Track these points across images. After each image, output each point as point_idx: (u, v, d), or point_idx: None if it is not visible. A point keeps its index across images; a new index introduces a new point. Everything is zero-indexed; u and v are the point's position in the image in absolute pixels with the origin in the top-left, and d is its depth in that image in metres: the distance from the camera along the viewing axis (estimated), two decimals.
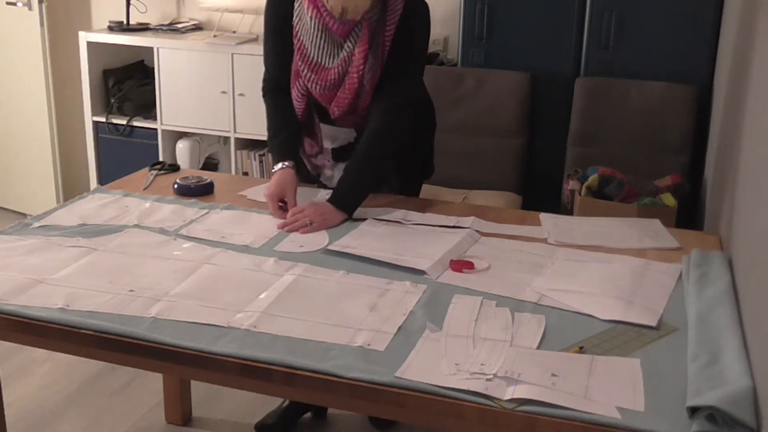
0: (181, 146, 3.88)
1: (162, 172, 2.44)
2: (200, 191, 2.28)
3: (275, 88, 2.28)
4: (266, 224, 2.07)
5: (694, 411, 1.27)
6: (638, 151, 3.23)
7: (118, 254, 1.87)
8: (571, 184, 3.05)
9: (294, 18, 2.16)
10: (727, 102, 2.58)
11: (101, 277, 1.74)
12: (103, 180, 3.99)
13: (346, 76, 2.13)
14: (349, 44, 2.10)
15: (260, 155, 3.81)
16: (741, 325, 1.53)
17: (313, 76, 2.16)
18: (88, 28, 4.23)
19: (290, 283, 1.73)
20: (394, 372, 1.40)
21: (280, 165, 2.18)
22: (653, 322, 1.59)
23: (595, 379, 1.38)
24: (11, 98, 4.26)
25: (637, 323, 1.59)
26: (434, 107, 2.44)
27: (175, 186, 2.29)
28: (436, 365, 1.42)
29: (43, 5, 4.01)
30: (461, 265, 1.83)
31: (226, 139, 3.87)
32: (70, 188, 4.30)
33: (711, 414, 1.24)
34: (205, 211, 2.15)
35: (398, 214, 2.14)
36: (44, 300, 1.63)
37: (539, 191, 3.41)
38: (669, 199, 2.85)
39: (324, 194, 2.22)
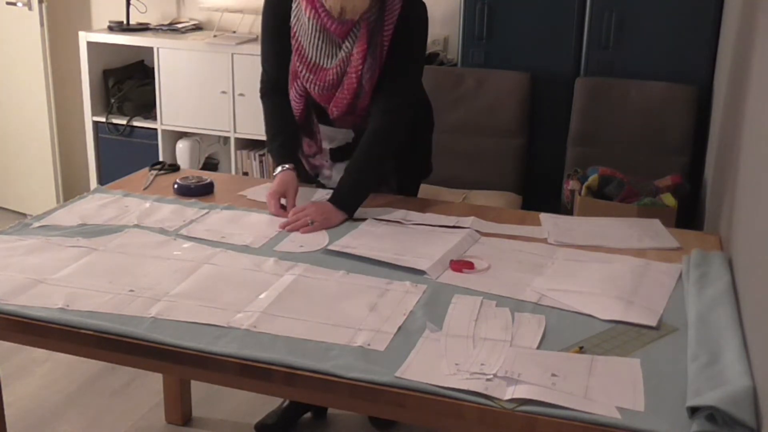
0: (181, 146, 3.88)
1: (162, 172, 2.44)
2: (200, 191, 2.28)
3: (273, 88, 2.28)
4: (266, 224, 2.07)
5: (694, 411, 1.27)
6: (638, 151, 3.23)
7: (118, 254, 1.87)
8: (571, 184, 3.05)
9: (292, 19, 2.17)
10: (727, 102, 2.58)
11: (101, 277, 1.74)
12: (103, 180, 3.99)
13: (345, 77, 2.13)
14: (348, 44, 2.11)
15: (260, 155, 3.81)
16: (741, 325, 1.53)
17: (311, 77, 2.16)
18: (88, 28, 4.23)
19: (290, 283, 1.73)
20: (394, 372, 1.40)
21: (280, 168, 2.18)
22: (653, 322, 1.59)
23: (595, 379, 1.38)
24: (11, 98, 4.26)
25: (637, 323, 1.59)
26: (432, 107, 2.44)
27: (175, 186, 2.29)
28: (436, 365, 1.42)
29: (43, 5, 4.01)
30: (461, 265, 1.83)
31: (226, 139, 3.87)
32: (70, 188, 4.30)
33: (711, 414, 1.24)
34: (205, 211, 2.15)
35: (398, 214, 2.14)
36: (44, 300, 1.63)
37: (539, 191, 3.41)
38: (669, 199, 2.85)
39: (324, 194, 2.22)
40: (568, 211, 3.02)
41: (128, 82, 4.05)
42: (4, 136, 4.35)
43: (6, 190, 4.45)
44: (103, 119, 4.01)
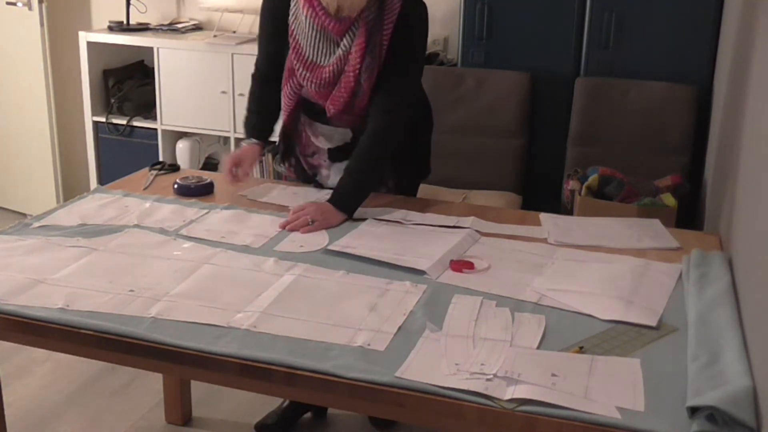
0: (181, 146, 3.88)
1: (162, 172, 2.44)
2: (200, 191, 2.28)
3: (264, 78, 2.34)
4: (266, 224, 2.07)
5: (694, 411, 1.27)
6: (638, 151, 3.23)
7: (118, 254, 1.87)
8: (571, 184, 3.05)
9: (290, 17, 2.17)
10: (727, 102, 2.58)
11: (101, 277, 1.74)
12: (103, 180, 3.99)
13: (342, 75, 2.13)
14: (346, 43, 2.11)
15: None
16: (741, 325, 1.53)
17: (308, 74, 2.17)
18: (88, 28, 4.23)
19: (290, 283, 1.73)
20: (394, 372, 1.40)
21: (248, 141, 2.31)
22: (653, 322, 1.59)
23: (595, 379, 1.38)
24: (11, 98, 4.26)
25: (637, 323, 1.59)
26: (431, 108, 2.44)
27: (175, 186, 2.29)
28: (436, 365, 1.42)
29: (43, 5, 4.01)
30: (461, 265, 1.83)
31: (226, 139, 3.87)
32: (70, 188, 4.30)
33: (711, 414, 1.24)
34: (205, 211, 2.15)
35: (398, 214, 2.14)
36: (44, 300, 1.63)
37: (539, 191, 3.41)
38: (669, 199, 2.85)
39: (324, 194, 2.22)
40: (568, 211, 3.02)
41: (128, 82, 4.05)
42: (4, 136, 4.35)
43: (6, 190, 4.45)
44: (103, 119, 4.01)
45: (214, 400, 2.75)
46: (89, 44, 3.93)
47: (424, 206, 2.23)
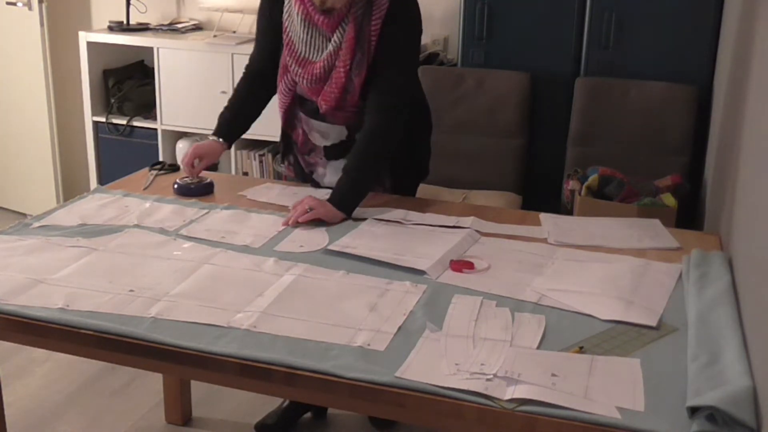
0: (181, 146, 3.88)
1: (162, 172, 2.44)
2: (200, 191, 2.28)
3: (255, 75, 2.37)
4: (266, 224, 2.07)
5: (694, 411, 1.27)
6: (638, 151, 3.23)
7: (118, 254, 1.87)
8: (571, 184, 3.05)
9: (284, 14, 2.20)
10: (727, 102, 2.57)
11: (101, 277, 1.74)
12: (103, 180, 3.99)
13: (333, 71, 2.14)
14: (336, 38, 2.12)
15: (260, 155, 3.81)
16: (741, 325, 1.53)
17: (300, 70, 2.19)
18: (88, 28, 4.23)
19: (290, 283, 1.73)
20: (394, 372, 1.40)
21: (213, 138, 2.33)
22: (653, 322, 1.59)
23: (595, 379, 1.38)
24: (11, 98, 4.26)
25: (637, 323, 1.59)
26: (430, 109, 2.44)
27: (175, 186, 2.29)
28: (436, 365, 1.42)
29: (43, 5, 4.01)
30: (461, 265, 1.83)
31: None
32: (70, 188, 4.30)
33: (711, 414, 1.24)
34: (205, 211, 2.15)
35: (398, 214, 2.14)
36: (44, 300, 1.63)
37: (539, 191, 3.41)
38: (669, 199, 2.85)
39: (322, 193, 2.22)
40: (568, 211, 3.02)
41: (128, 82, 4.05)
42: (4, 136, 4.35)
43: (6, 190, 4.45)
44: (103, 119, 4.01)
45: (214, 400, 2.75)
46: (89, 44, 3.93)
47: (424, 206, 2.23)
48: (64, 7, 4.28)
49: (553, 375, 1.38)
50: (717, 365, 1.39)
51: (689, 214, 3.07)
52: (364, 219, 2.10)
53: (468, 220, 2.10)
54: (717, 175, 2.60)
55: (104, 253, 1.87)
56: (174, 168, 2.48)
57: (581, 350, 1.48)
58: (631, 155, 3.22)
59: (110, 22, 4.03)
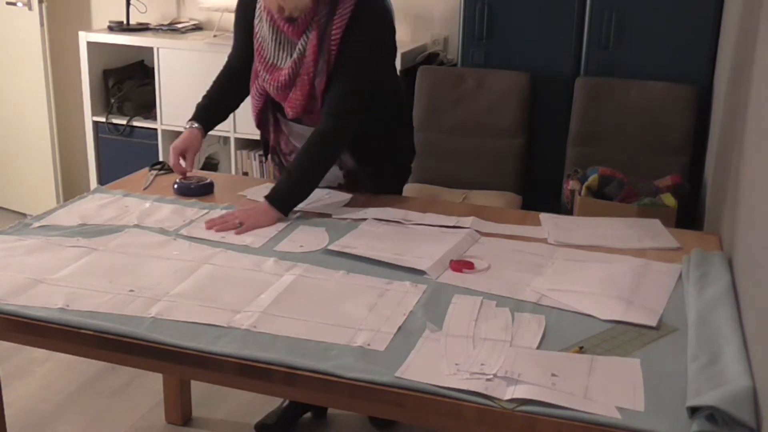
0: None
1: (162, 172, 2.44)
2: (200, 191, 2.28)
3: (233, 72, 2.36)
4: None
5: (694, 411, 1.27)
6: (638, 151, 3.23)
7: (118, 254, 1.87)
8: (571, 184, 3.05)
9: (255, 19, 2.20)
10: (727, 102, 2.58)
11: (101, 277, 1.74)
12: (103, 180, 3.99)
13: (298, 78, 2.14)
14: (301, 45, 2.12)
15: (260, 155, 3.81)
16: (741, 325, 1.53)
17: (267, 77, 2.19)
18: (88, 28, 4.23)
19: (290, 283, 1.73)
20: (394, 372, 1.40)
21: (190, 124, 2.29)
22: (653, 322, 1.59)
23: (595, 379, 1.38)
24: (11, 98, 4.26)
25: (637, 323, 1.59)
26: (408, 111, 2.43)
27: (175, 186, 2.29)
28: (436, 365, 1.42)
29: (43, 5, 4.01)
30: (461, 265, 1.83)
31: (226, 139, 3.87)
32: (70, 188, 4.30)
33: (711, 414, 1.24)
34: (205, 211, 2.15)
35: (398, 214, 2.14)
36: (44, 300, 1.63)
37: (539, 191, 3.41)
38: (669, 199, 2.85)
39: (321, 193, 2.22)
40: (568, 211, 3.02)
41: (128, 82, 4.05)
42: (4, 136, 4.35)
43: (6, 190, 4.45)
44: (103, 119, 4.01)
45: (214, 400, 2.75)
46: (89, 44, 3.93)
47: (424, 206, 2.23)
48: (64, 7, 4.28)
49: (553, 375, 1.38)
50: (717, 365, 1.39)
51: (689, 214, 3.07)
52: (365, 219, 2.10)
53: (468, 220, 2.10)
54: (717, 175, 2.60)
55: (104, 253, 1.87)
56: None
57: (581, 350, 1.48)
58: (631, 155, 3.22)
59: (110, 22, 4.03)
